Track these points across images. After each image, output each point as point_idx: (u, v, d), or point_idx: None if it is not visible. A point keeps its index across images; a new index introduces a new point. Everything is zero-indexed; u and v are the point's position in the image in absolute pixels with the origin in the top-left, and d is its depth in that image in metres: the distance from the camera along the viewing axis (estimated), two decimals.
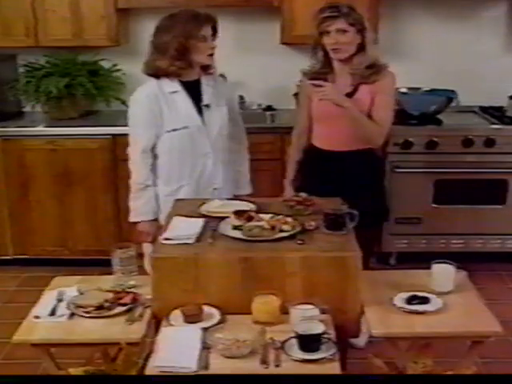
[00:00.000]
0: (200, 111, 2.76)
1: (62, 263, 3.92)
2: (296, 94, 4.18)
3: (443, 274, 2.28)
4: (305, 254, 2.13)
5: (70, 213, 3.94)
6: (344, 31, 2.72)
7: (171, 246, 2.19)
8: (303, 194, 2.58)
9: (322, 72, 2.84)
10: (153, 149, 2.74)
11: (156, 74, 2.72)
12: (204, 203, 2.52)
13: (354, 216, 2.31)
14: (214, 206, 2.49)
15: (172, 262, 2.13)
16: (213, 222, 2.35)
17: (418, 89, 4.00)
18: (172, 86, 2.73)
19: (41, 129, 3.91)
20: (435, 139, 3.72)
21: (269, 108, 4.23)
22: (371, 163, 2.89)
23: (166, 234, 2.24)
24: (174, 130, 2.71)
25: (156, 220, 2.77)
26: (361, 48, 2.76)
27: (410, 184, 3.71)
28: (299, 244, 2.18)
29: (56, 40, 3.99)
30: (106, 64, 4.10)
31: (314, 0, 3.81)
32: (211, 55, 2.74)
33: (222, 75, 4.21)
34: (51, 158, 3.86)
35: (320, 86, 2.67)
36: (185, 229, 2.27)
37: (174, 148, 2.73)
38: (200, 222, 2.34)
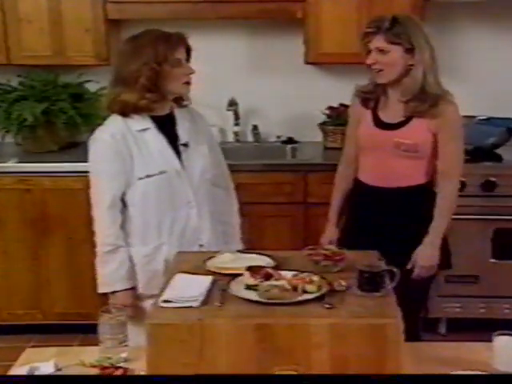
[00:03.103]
0: (177, 152, 2.78)
1: (33, 330, 3.96)
2: (323, 124, 4.25)
3: (508, 348, 2.26)
4: (334, 320, 2.14)
5: (45, 267, 3.98)
6: (382, 51, 2.81)
7: (171, 310, 2.21)
8: (331, 247, 2.61)
9: (374, 92, 2.95)
10: (122, 200, 2.73)
11: (123, 110, 2.72)
12: (212, 257, 2.56)
13: (395, 274, 2.33)
14: (223, 261, 2.52)
15: (172, 329, 2.15)
16: (222, 280, 2.38)
17: (472, 117, 4.04)
18: (141, 122, 2.73)
19: (11, 164, 3.99)
20: (493, 179, 3.75)
21: (289, 141, 4.30)
22: (426, 201, 2.95)
23: (165, 295, 2.28)
24: (148, 176, 2.70)
25: (133, 289, 2.77)
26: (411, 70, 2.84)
27: (463, 234, 3.72)
28: (327, 308, 2.19)
29: (32, 57, 4.10)
30: (92, 87, 4.19)
31: (344, 11, 3.95)
32: (187, 83, 2.76)
33: (234, 102, 4.31)
34: (24, 200, 3.93)
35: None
36: (188, 289, 2.29)
37: (148, 198, 2.73)
38: (207, 280, 2.37)
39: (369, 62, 2.85)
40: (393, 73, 2.84)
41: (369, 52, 2.86)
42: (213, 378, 1.90)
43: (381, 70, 2.84)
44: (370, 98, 2.96)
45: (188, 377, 1.92)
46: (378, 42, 2.81)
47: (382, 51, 2.81)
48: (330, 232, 3.14)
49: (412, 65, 2.82)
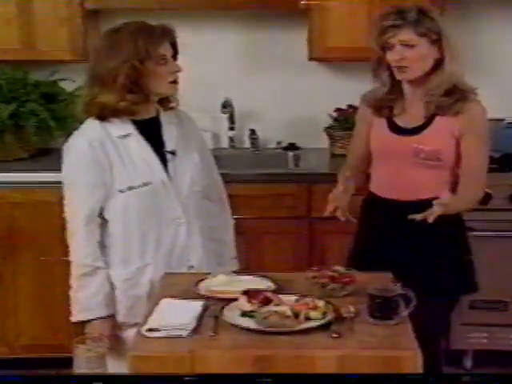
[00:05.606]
0: (163, 161, 2.80)
1: None
2: (329, 128, 4.28)
3: None
4: (342, 351, 2.15)
5: (12, 292, 3.98)
6: (411, 44, 2.82)
7: (157, 341, 2.22)
8: (339, 268, 2.63)
9: (388, 99, 2.97)
10: (101, 215, 2.76)
11: (101, 113, 2.74)
12: (203, 279, 2.58)
13: (411, 299, 2.35)
14: (216, 284, 2.54)
15: (158, 362, 2.16)
16: (215, 305, 2.39)
17: (500, 120, 4.07)
18: (122, 127, 2.75)
19: None
20: None
21: (291, 147, 4.31)
22: (448, 215, 2.94)
23: (150, 323, 2.29)
24: (130, 188, 2.72)
25: (111, 316, 2.78)
26: (438, 64, 2.87)
27: (489, 253, 3.72)
28: (334, 338, 2.21)
29: None
30: (67, 86, 4.21)
31: (354, 0, 3.96)
32: (174, 82, 2.78)
33: (228, 104, 4.32)
34: None
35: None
36: (176, 315, 2.30)
37: (130, 213, 2.75)
38: (197, 305, 2.39)
39: (396, 57, 2.84)
40: (421, 68, 2.86)
41: (386, 48, 2.86)
42: (212, 378, 1.95)
43: (405, 67, 2.86)
44: (385, 105, 2.99)
45: (187, 377, 1.97)
46: (405, 34, 2.81)
47: (407, 45, 2.82)
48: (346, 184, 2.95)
49: (440, 58, 2.85)
